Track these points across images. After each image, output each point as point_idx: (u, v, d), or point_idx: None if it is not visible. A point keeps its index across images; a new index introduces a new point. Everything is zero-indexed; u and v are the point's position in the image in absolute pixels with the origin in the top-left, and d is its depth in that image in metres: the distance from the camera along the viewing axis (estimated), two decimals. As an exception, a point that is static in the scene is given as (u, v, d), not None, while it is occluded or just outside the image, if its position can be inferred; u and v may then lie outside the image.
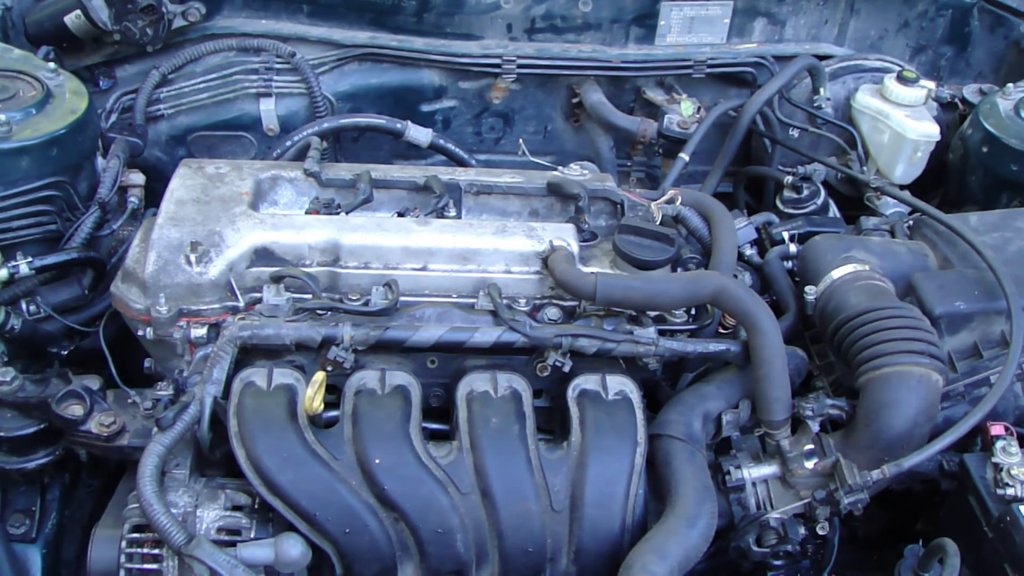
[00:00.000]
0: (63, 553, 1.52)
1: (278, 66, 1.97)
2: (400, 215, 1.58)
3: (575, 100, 2.12)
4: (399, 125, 1.92)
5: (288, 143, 1.81)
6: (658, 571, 1.20)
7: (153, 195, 1.68)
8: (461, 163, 1.98)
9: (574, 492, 1.31)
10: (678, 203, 1.60)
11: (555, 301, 1.44)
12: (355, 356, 1.35)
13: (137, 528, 1.26)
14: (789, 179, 1.96)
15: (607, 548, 1.31)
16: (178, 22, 1.89)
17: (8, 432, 1.37)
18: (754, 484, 1.42)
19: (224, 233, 1.40)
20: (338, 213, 1.50)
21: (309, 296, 1.37)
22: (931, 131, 1.95)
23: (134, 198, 1.71)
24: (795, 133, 2.07)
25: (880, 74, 2.08)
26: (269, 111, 1.97)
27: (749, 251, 1.76)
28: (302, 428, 1.28)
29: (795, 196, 1.96)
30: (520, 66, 2.02)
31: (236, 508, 1.30)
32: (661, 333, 1.42)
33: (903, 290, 1.51)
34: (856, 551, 1.58)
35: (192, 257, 1.38)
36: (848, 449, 1.37)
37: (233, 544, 1.24)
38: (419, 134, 1.93)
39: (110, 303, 1.46)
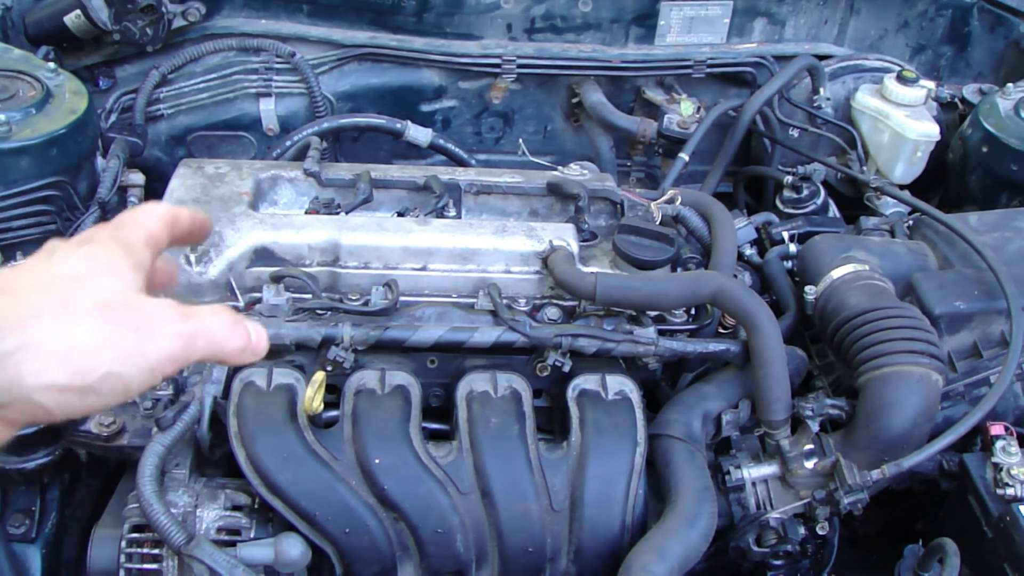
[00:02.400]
0: (63, 553, 1.51)
1: (278, 66, 1.97)
2: (400, 215, 1.58)
3: (575, 100, 2.12)
4: (399, 125, 1.92)
5: (288, 143, 1.81)
6: (658, 571, 1.20)
7: (153, 195, 1.68)
8: (461, 163, 1.98)
9: (574, 492, 1.31)
10: (678, 203, 1.60)
11: (555, 301, 1.44)
12: (355, 356, 1.35)
13: (137, 528, 1.26)
14: (789, 179, 1.96)
15: (607, 548, 1.31)
16: (178, 22, 1.89)
17: (8, 432, 1.37)
18: (754, 484, 1.42)
19: (224, 233, 1.40)
20: (338, 213, 1.50)
21: (309, 296, 1.37)
22: (931, 131, 1.95)
23: (134, 198, 1.71)
24: (795, 133, 2.07)
25: (880, 74, 2.08)
26: (269, 111, 1.97)
27: (749, 251, 1.76)
28: (302, 428, 1.28)
29: (795, 196, 1.96)
30: (520, 66, 2.02)
31: (236, 508, 1.30)
32: (661, 333, 1.42)
33: (903, 290, 1.51)
34: (856, 551, 1.58)
35: (191, 257, 1.38)
36: (848, 449, 1.37)
37: (233, 544, 1.24)
38: (419, 134, 1.93)
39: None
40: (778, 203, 1.98)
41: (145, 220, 0.75)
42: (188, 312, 0.68)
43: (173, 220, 0.78)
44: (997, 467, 1.30)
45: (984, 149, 1.87)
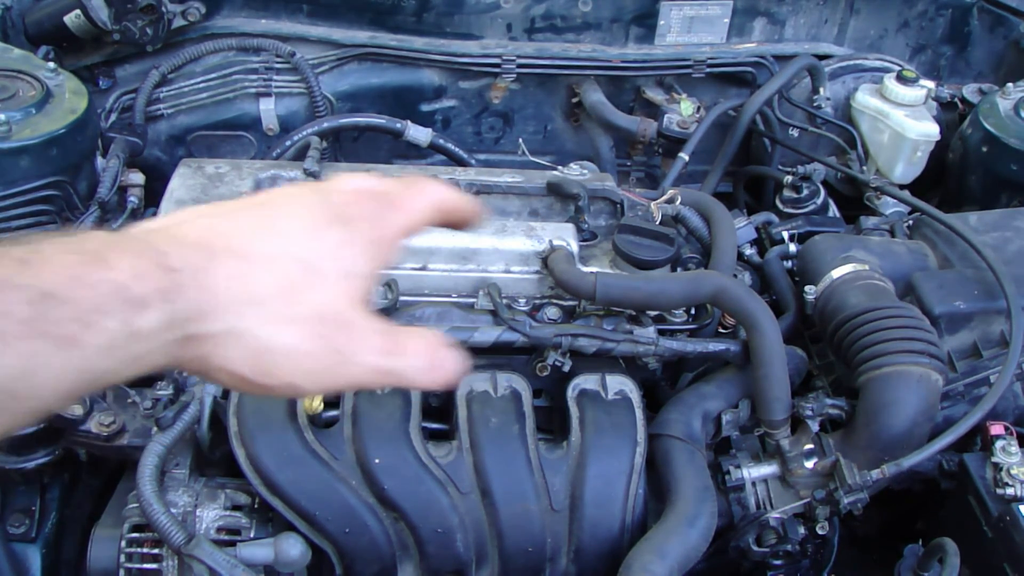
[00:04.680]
0: (63, 553, 1.51)
1: (278, 66, 1.97)
2: (400, 215, 1.57)
3: (575, 100, 2.12)
4: (399, 125, 1.92)
5: (288, 143, 1.81)
6: (658, 571, 1.20)
7: (153, 195, 1.68)
8: (461, 163, 1.98)
9: (574, 492, 1.31)
10: (678, 203, 1.60)
11: (555, 301, 1.44)
12: (355, 356, 1.34)
13: (137, 528, 1.26)
14: (789, 179, 1.96)
15: (607, 548, 1.31)
16: (178, 22, 1.89)
17: (8, 432, 1.37)
18: (754, 484, 1.42)
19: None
20: (338, 213, 1.50)
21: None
22: (931, 131, 1.95)
23: (134, 198, 1.71)
24: (795, 133, 2.07)
25: (880, 74, 2.08)
26: (269, 111, 1.97)
27: (749, 251, 1.76)
28: (302, 428, 1.28)
29: (795, 196, 1.96)
30: (520, 66, 2.02)
31: (236, 508, 1.30)
32: (661, 333, 1.42)
33: (903, 290, 1.51)
34: (856, 551, 1.58)
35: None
36: (848, 449, 1.37)
37: (233, 544, 1.24)
38: (419, 134, 1.93)
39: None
40: (778, 203, 1.98)
41: (414, 206, 0.69)
42: (394, 347, 0.63)
43: (445, 210, 0.72)
44: (997, 467, 1.30)
45: (984, 149, 1.87)
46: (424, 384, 0.66)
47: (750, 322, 1.37)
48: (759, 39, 2.12)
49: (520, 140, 2.07)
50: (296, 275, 0.60)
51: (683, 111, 2.02)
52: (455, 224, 0.75)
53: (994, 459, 1.31)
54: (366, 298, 0.64)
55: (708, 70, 2.08)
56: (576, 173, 1.64)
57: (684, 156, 1.93)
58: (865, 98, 2.04)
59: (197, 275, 0.56)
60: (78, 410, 1.35)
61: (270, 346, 0.58)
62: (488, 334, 1.37)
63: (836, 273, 1.52)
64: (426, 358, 0.65)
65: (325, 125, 1.86)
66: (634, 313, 1.44)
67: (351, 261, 0.63)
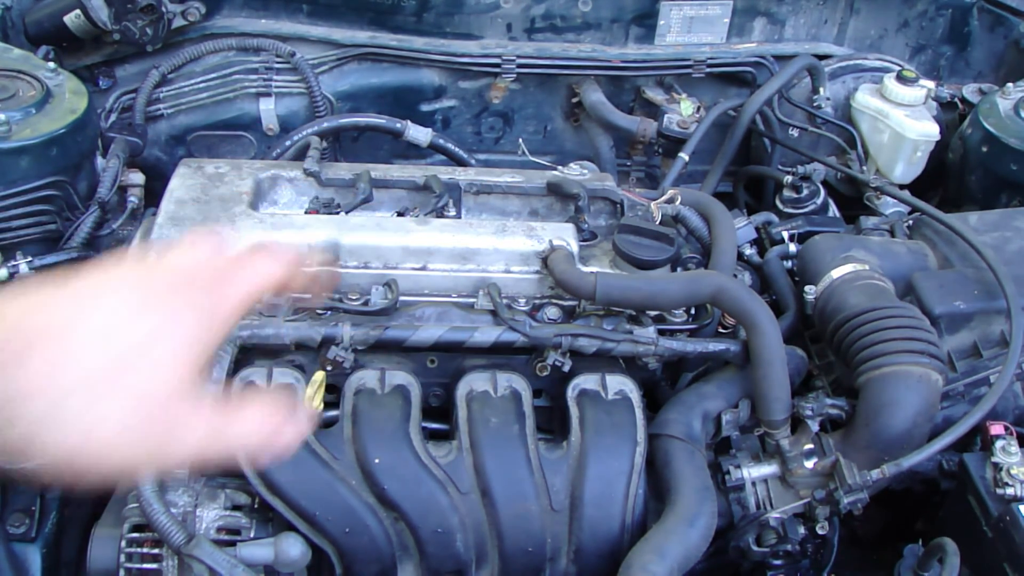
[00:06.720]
0: (63, 553, 1.51)
1: (278, 66, 1.97)
2: (400, 215, 1.58)
3: (575, 100, 2.12)
4: (399, 125, 1.92)
5: (288, 143, 1.81)
6: (658, 571, 1.20)
7: (153, 195, 1.68)
8: (461, 163, 1.98)
9: (574, 492, 1.31)
10: (678, 203, 1.60)
11: (555, 301, 1.44)
12: (355, 356, 1.35)
13: (137, 528, 1.26)
14: (789, 179, 1.96)
15: (607, 548, 1.31)
16: (178, 22, 1.89)
17: (8, 432, 1.37)
18: (754, 484, 1.42)
19: (224, 233, 1.39)
20: (338, 213, 1.50)
21: (309, 296, 1.37)
22: (931, 131, 1.95)
23: (134, 198, 1.71)
24: (795, 133, 2.07)
25: (880, 74, 2.08)
26: (269, 111, 1.97)
27: (749, 251, 1.76)
28: (302, 428, 1.28)
29: (795, 196, 1.96)
30: (520, 66, 2.02)
31: (236, 508, 1.30)
32: (661, 333, 1.42)
33: (903, 290, 1.51)
34: (856, 551, 1.58)
35: (192, 257, 1.37)
36: (848, 449, 1.37)
37: (233, 544, 1.24)
38: (419, 134, 1.93)
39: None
40: (778, 203, 1.98)
41: (249, 281, 0.68)
42: (225, 423, 0.64)
43: (284, 280, 0.71)
44: (997, 467, 1.30)
45: (984, 149, 1.87)
46: (260, 455, 0.66)
47: (750, 322, 1.37)
48: (759, 39, 2.12)
49: (520, 140, 2.07)
50: (117, 358, 0.58)
51: (683, 111, 2.02)
52: (302, 290, 0.74)
53: (994, 459, 1.31)
54: (200, 375, 0.63)
55: (708, 70, 2.08)
56: (576, 173, 1.64)
57: (684, 156, 1.93)
58: (865, 98, 2.04)
59: (8, 364, 0.54)
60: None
61: (90, 433, 0.57)
62: (488, 334, 1.37)
63: (836, 273, 1.52)
64: (260, 431, 0.65)
65: (325, 125, 1.86)
66: (634, 313, 1.44)
67: (179, 340, 0.61)
